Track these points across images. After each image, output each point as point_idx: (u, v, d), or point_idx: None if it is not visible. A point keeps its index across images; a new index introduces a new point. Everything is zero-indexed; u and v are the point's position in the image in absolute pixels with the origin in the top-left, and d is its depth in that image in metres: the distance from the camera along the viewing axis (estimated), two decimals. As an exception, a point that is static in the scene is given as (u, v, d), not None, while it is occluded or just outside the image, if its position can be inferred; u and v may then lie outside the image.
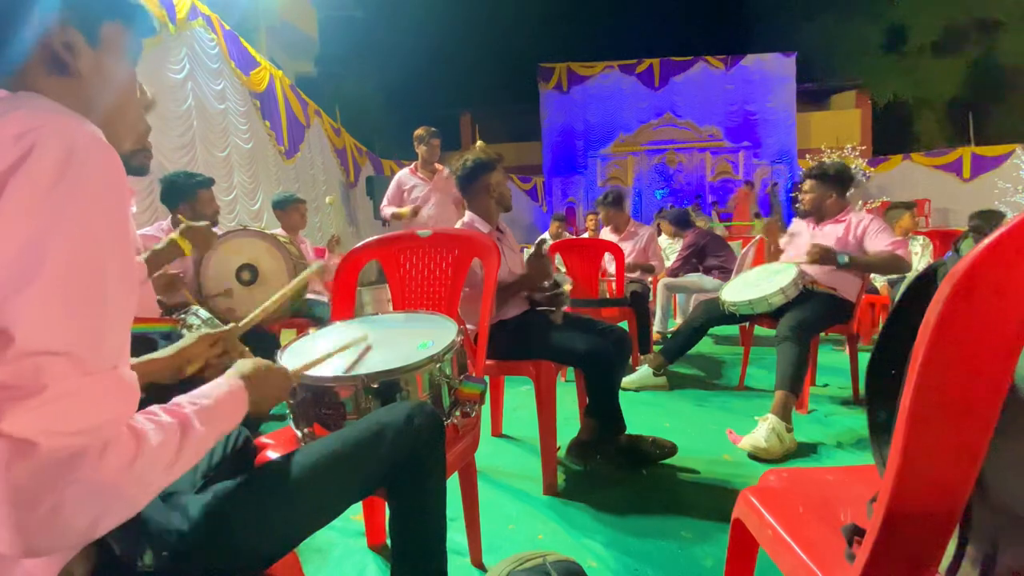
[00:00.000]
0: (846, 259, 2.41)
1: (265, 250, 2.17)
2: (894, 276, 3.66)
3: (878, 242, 2.47)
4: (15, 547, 0.49)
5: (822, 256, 2.42)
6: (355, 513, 1.57)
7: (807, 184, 2.65)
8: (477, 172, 2.05)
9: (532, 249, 2.03)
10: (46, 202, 0.50)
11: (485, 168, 2.04)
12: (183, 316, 1.55)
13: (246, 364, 0.82)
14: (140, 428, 0.56)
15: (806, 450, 2.08)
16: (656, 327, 4.24)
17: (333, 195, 5.00)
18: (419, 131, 3.88)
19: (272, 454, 1.12)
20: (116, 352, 0.55)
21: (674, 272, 4.31)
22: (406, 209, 3.78)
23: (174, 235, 1.64)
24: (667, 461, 1.97)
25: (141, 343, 1.36)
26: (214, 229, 2.50)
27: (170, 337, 1.42)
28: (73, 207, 0.51)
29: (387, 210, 3.94)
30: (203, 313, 1.57)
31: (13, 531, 0.48)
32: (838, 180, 2.61)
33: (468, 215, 2.10)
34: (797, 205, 2.76)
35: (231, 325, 1.04)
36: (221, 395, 0.71)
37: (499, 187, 2.06)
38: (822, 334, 2.57)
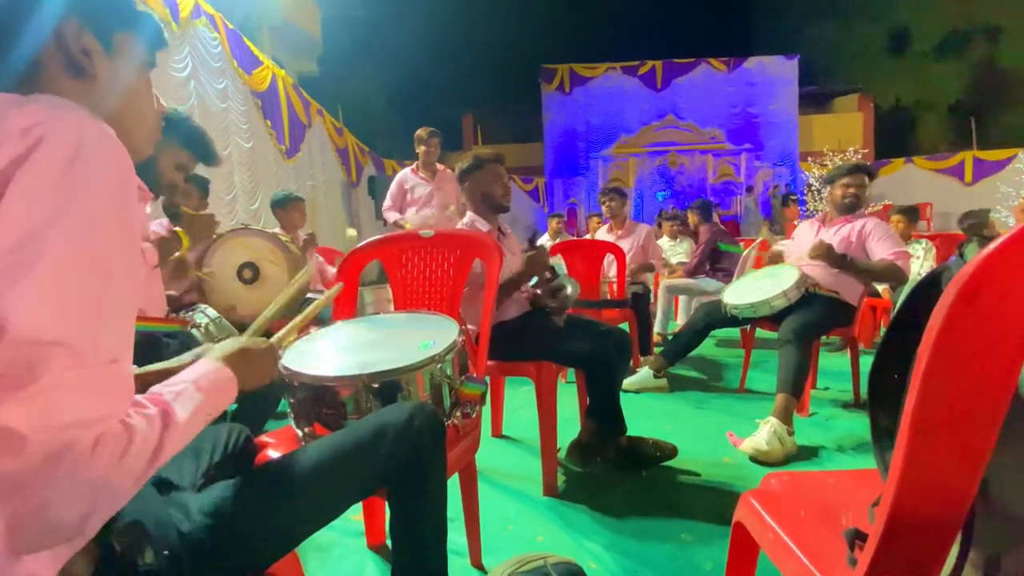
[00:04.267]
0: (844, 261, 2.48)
1: (266, 249, 2.17)
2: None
3: (881, 249, 2.49)
4: (5, 543, 0.48)
5: (826, 253, 2.45)
6: (355, 513, 1.57)
7: (854, 178, 2.68)
8: (464, 174, 2.10)
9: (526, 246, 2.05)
10: (51, 193, 0.50)
11: (471, 168, 2.09)
12: (190, 315, 1.55)
13: (228, 345, 0.78)
14: (131, 422, 0.55)
15: (807, 453, 2.07)
16: (657, 329, 4.22)
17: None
18: (419, 132, 3.93)
19: (273, 453, 1.12)
20: (116, 346, 0.55)
21: (692, 271, 4.26)
22: (409, 224, 3.82)
23: (176, 228, 1.67)
24: (667, 463, 1.97)
25: (147, 342, 1.36)
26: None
27: (176, 337, 1.41)
28: (79, 199, 0.52)
29: (390, 215, 4.01)
30: (211, 312, 1.57)
31: (2, 526, 0.48)
32: (870, 171, 2.76)
33: (469, 215, 2.11)
34: (799, 208, 2.81)
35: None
36: (203, 382, 0.67)
37: (484, 186, 2.07)
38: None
